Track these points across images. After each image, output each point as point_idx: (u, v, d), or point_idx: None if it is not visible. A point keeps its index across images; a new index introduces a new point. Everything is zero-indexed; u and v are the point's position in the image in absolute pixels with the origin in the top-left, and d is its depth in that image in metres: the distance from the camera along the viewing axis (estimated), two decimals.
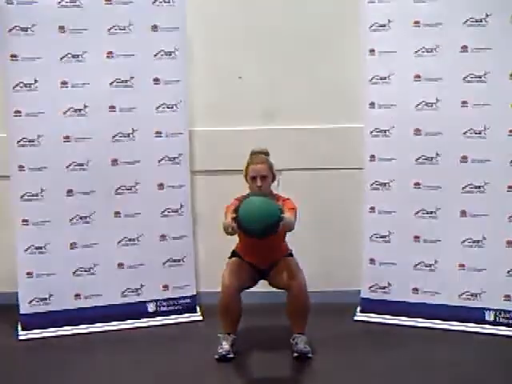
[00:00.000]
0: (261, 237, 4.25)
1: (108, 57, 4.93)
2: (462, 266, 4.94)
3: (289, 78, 5.29)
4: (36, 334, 4.91)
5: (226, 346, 4.48)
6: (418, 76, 4.91)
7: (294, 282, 4.45)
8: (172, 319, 5.18)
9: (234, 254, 4.67)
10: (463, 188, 4.89)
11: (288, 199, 4.53)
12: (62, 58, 4.86)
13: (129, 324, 5.08)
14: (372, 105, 5.03)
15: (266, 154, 4.60)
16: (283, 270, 4.52)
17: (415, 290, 5.06)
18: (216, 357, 4.46)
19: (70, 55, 4.87)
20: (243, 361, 4.50)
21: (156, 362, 4.52)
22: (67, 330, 4.96)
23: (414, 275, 5.05)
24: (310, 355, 4.47)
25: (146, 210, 5.11)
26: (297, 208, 4.49)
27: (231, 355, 4.47)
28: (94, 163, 4.98)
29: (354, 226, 5.24)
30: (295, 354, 4.48)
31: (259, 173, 4.48)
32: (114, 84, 4.97)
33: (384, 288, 5.13)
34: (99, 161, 5.00)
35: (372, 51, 4.98)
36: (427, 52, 4.87)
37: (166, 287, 5.20)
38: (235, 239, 4.60)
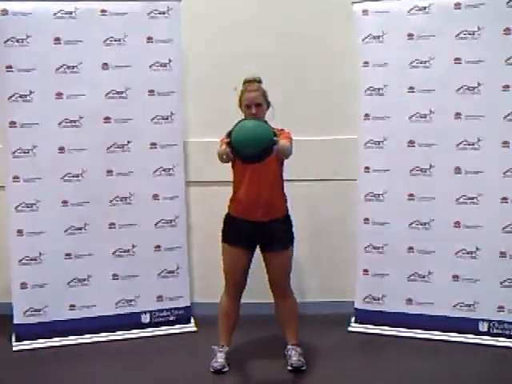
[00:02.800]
0: (255, 160, 4.15)
1: (103, 68, 4.95)
2: (455, 276, 4.95)
3: (283, 90, 5.29)
4: (30, 344, 4.91)
5: (220, 359, 4.48)
6: (411, 88, 4.93)
7: (278, 292, 4.47)
8: (166, 330, 5.17)
9: (226, 221, 4.52)
10: (457, 199, 4.90)
11: (283, 129, 4.43)
12: (57, 70, 4.88)
13: (123, 335, 5.08)
14: (366, 116, 5.05)
15: (259, 81, 4.53)
16: (274, 266, 4.45)
17: (409, 300, 5.07)
18: (211, 370, 4.47)
19: (65, 66, 4.89)
20: (238, 373, 4.49)
21: (150, 373, 4.52)
22: (61, 341, 4.96)
23: (408, 286, 5.06)
24: (303, 368, 4.48)
25: (141, 221, 5.12)
26: (292, 138, 4.41)
27: (226, 369, 4.48)
28: (88, 174, 4.99)
29: (348, 236, 5.25)
30: (289, 367, 4.49)
31: (254, 101, 4.40)
32: (109, 95, 4.98)
33: (378, 299, 5.14)
34: (94, 172, 5.01)
35: (366, 63, 5.01)
36: (421, 64, 4.90)
37: (160, 298, 5.20)
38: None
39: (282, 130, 4.41)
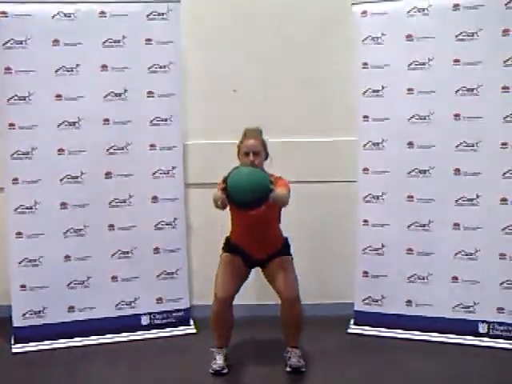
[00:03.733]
0: (250, 207, 4.15)
1: (102, 70, 4.95)
2: (455, 278, 4.95)
3: (283, 92, 5.31)
4: (29, 346, 4.90)
5: (219, 361, 4.48)
6: (410, 89, 4.93)
7: (287, 292, 4.41)
8: (166, 332, 5.17)
9: (227, 242, 4.58)
10: (456, 201, 4.90)
11: (280, 177, 4.44)
12: (56, 71, 4.87)
13: (122, 337, 5.07)
14: (365, 118, 5.05)
15: (260, 132, 4.54)
16: (278, 273, 4.46)
17: (408, 302, 5.07)
18: (210, 371, 4.46)
19: (64, 68, 4.89)
20: (237, 375, 4.49)
21: (149, 375, 4.51)
22: (61, 343, 4.95)
23: (408, 288, 5.06)
24: (303, 369, 4.47)
25: (140, 223, 5.11)
26: (289, 185, 4.41)
27: (225, 371, 4.47)
28: (88, 176, 4.99)
29: (347, 238, 5.25)
30: (288, 369, 4.48)
31: (252, 149, 4.40)
32: (108, 97, 4.98)
33: (377, 301, 5.13)
34: (93, 174, 5.00)
35: (365, 64, 5.01)
36: (420, 65, 4.90)
37: (159, 300, 5.19)
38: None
39: (279, 177, 4.43)
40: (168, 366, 4.65)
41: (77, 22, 4.87)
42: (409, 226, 5.02)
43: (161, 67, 5.05)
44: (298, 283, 4.48)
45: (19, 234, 4.91)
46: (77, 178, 4.98)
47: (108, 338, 5.04)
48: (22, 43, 4.79)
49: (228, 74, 5.30)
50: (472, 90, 4.80)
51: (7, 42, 4.77)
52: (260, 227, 4.42)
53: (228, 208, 4.35)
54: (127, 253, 5.11)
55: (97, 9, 4.91)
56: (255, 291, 5.11)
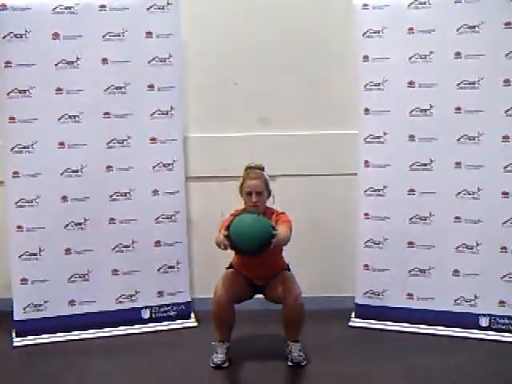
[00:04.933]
0: (253, 255, 4.23)
1: (102, 63, 4.94)
2: (456, 271, 4.95)
3: (283, 85, 5.30)
4: (30, 340, 4.91)
5: (220, 354, 4.48)
6: (411, 82, 4.92)
7: (289, 294, 4.42)
8: (166, 325, 5.17)
9: (230, 267, 4.66)
10: (457, 194, 4.90)
11: (283, 213, 4.51)
12: (56, 65, 4.86)
13: (123, 330, 5.08)
14: (366, 111, 5.04)
15: (261, 169, 4.57)
16: (279, 284, 4.50)
17: (410, 295, 5.07)
18: (211, 365, 4.47)
19: (64, 61, 4.87)
20: (238, 369, 4.49)
21: (150, 369, 4.52)
22: (61, 337, 4.96)
23: (409, 281, 5.06)
24: (304, 363, 4.48)
25: (141, 217, 5.11)
26: (291, 222, 4.47)
27: (226, 364, 4.48)
28: (88, 169, 4.98)
29: (349, 231, 5.25)
30: (289, 363, 4.49)
31: (254, 189, 4.45)
32: (109, 90, 4.97)
33: (378, 294, 5.14)
34: (94, 167, 5.00)
35: (366, 57, 4.99)
36: (421, 58, 4.89)
37: (160, 293, 5.19)
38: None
39: (282, 213, 4.49)
40: (168, 359, 4.65)
41: (77, 15, 4.85)
42: (410, 220, 5.01)
43: (161, 60, 5.04)
44: (301, 293, 4.47)
45: (20, 227, 4.90)
46: (77, 171, 4.97)
47: (108, 332, 5.04)
48: (21, 36, 4.78)
49: (229, 66, 5.29)
50: (473, 83, 4.79)
51: (7, 36, 4.75)
52: (262, 263, 4.45)
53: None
54: (128, 246, 5.11)
55: (97, 2, 4.89)
56: None
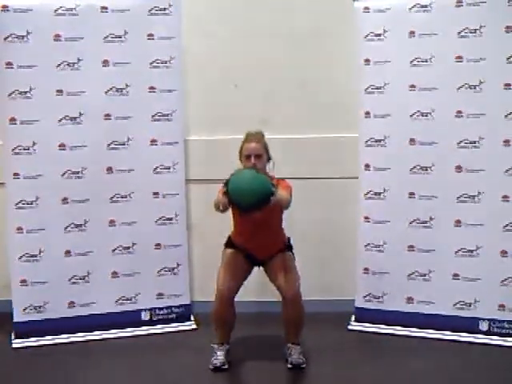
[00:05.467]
0: (251, 211, 4.14)
1: (104, 65, 4.94)
2: (456, 275, 4.94)
3: (284, 87, 5.30)
4: (30, 342, 4.90)
5: (220, 356, 4.48)
6: (412, 86, 4.92)
7: (289, 290, 4.40)
8: (166, 328, 5.17)
9: (229, 241, 4.58)
10: (457, 198, 4.90)
11: (283, 179, 4.44)
12: (57, 66, 4.87)
13: (123, 332, 5.07)
14: (367, 114, 5.04)
15: (262, 135, 4.52)
16: (278, 271, 4.45)
17: (409, 299, 5.06)
18: (211, 367, 4.46)
19: (65, 63, 4.88)
20: (237, 371, 4.49)
21: (150, 371, 4.51)
22: (61, 338, 4.95)
23: (409, 285, 5.05)
24: (303, 366, 4.47)
25: (141, 219, 5.11)
26: (291, 187, 4.42)
27: (226, 366, 4.47)
28: (89, 171, 4.98)
29: (349, 235, 5.24)
30: (289, 365, 4.48)
31: (254, 152, 4.39)
32: (110, 92, 4.97)
33: (378, 297, 5.13)
34: (94, 169, 5.00)
35: (367, 61, 5.00)
36: (422, 62, 4.89)
37: (160, 296, 5.19)
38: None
39: (282, 179, 4.43)
40: (168, 361, 4.64)
41: (78, 16, 4.86)
42: (410, 223, 5.01)
43: (162, 62, 5.04)
44: (300, 281, 4.48)
45: (20, 228, 4.90)
46: (78, 173, 4.97)
47: (108, 334, 5.04)
48: (23, 38, 4.79)
49: (230, 69, 5.29)
50: (474, 86, 4.79)
51: (8, 37, 4.76)
52: (262, 230, 4.42)
53: (230, 211, 4.36)
54: (128, 248, 5.11)
55: (98, 4, 4.90)
56: (256, 288, 5.10)
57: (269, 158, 4.50)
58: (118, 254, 5.09)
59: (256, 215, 4.21)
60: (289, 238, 4.63)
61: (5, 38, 4.75)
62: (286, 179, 4.48)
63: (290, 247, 4.62)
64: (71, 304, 5.04)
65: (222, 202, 4.14)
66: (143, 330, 5.12)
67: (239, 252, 4.53)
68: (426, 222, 4.98)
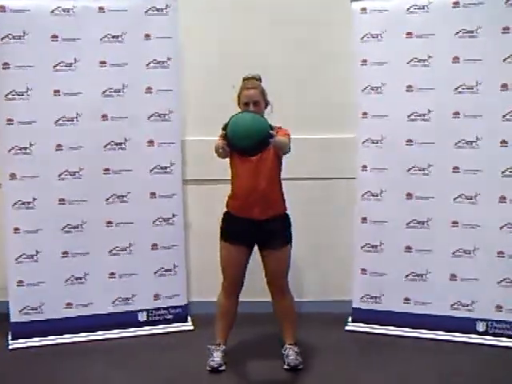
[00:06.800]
0: (250, 153, 4.15)
1: (101, 65, 4.93)
2: (453, 276, 4.94)
3: (281, 88, 5.28)
4: (26, 343, 4.90)
5: (217, 358, 4.47)
6: (410, 86, 4.92)
7: (274, 282, 4.44)
8: (163, 329, 5.16)
9: (226, 214, 4.50)
10: (455, 198, 4.90)
11: (280, 127, 4.40)
12: (54, 67, 4.86)
13: (119, 333, 5.06)
14: (364, 115, 5.04)
15: (259, 79, 4.50)
16: (271, 263, 4.44)
17: (406, 300, 5.06)
18: (207, 368, 4.46)
19: (62, 64, 4.87)
20: (234, 372, 4.49)
21: (147, 372, 4.51)
22: (58, 339, 4.95)
23: (406, 285, 5.05)
24: (301, 367, 4.47)
25: (138, 219, 5.10)
26: (290, 134, 4.40)
27: (222, 367, 4.47)
28: (86, 172, 4.98)
29: (346, 235, 5.24)
30: (286, 366, 4.48)
31: (252, 98, 4.37)
32: (107, 93, 4.96)
33: (375, 298, 5.13)
34: (91, 169, 4.99)
35: (364, 61, 5.00)
36: (419, 63, 4.89)
37: (157, 297, 5.19)
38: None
39: (280, 127, 4.39)
40: (165, 362, 4.64)
41: (75, 17, 4.86)
42: (407, 224, 5.01)
43: (159, 63, 5.04)
44: (289, 271, 4.47)
45: (17, 229, 4.90)
46: (75, 173, 4.97)
47: (105, 335, 5.03)
48: (20, 38, 4.78)
49: (227, 69, 5.28)
50: (471, 87, 4.80)
51: (5, 37, 4.75)
52: (260, 175, 4.34)
53: (228, 161, 4.36)
54: (125, 249, 5.10)
55: (95, 4, 4.90)
56: (253, 289, 5.09)
57: (266, 104, 4.47)
58: (115, 255, 5.09)
59: (254, 159, 4.23)
60: (287, 214, 4.53)
61: (2, 39, 4.75)
62: (282, 127, 4.43)
63: (289, 226, 4.51)
64: (68, 305, 5.03)
65: (221, 145, 4.13)
66: (140, 331, 5.12)
67: (236, 243, 4.43)
68: (423, 223, 4.98)
